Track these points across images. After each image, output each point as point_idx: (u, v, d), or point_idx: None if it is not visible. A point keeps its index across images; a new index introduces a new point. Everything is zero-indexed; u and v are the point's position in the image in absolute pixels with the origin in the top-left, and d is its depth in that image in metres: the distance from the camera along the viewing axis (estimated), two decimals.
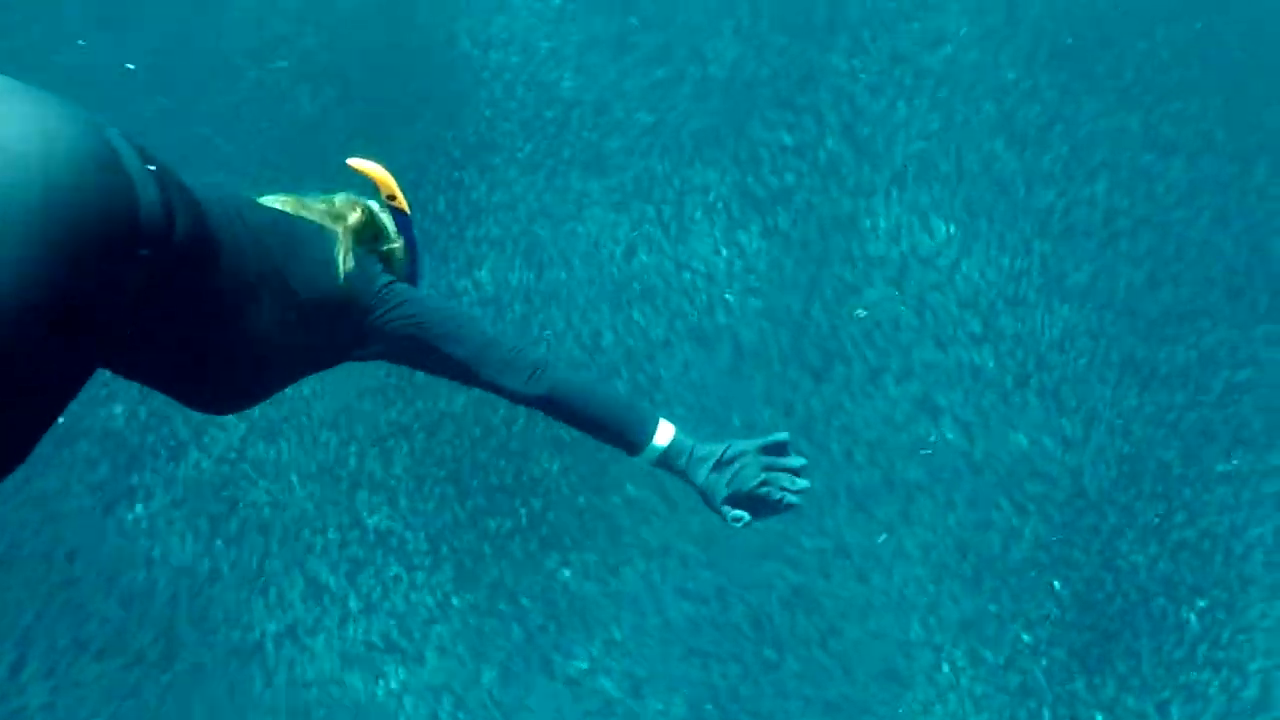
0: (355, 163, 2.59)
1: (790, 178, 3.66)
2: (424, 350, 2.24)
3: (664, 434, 2.28)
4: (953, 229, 3.53)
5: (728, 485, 2.19)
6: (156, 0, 3.95)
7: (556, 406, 2.24)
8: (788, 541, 3.46)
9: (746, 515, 2.15)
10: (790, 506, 2.15)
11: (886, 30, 3.68)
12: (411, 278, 2.66)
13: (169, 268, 1.84)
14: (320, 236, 2.29)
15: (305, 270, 2.19)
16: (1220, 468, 3.35)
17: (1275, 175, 3.46)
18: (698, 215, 3.67)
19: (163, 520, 3.61)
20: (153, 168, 1.81)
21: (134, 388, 3.69)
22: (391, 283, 2.31)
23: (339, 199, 2.57)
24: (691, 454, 2.24)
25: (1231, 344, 3.40)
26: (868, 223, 3.59)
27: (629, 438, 2.28)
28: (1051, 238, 3.50)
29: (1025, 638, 3.39)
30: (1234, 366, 3.39)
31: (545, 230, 3.72)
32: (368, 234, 2.44)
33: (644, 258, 3.65)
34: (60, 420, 3.91)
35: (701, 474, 2.22)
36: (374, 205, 2.58)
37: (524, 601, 3.48)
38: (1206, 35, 3.60)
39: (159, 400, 3.70)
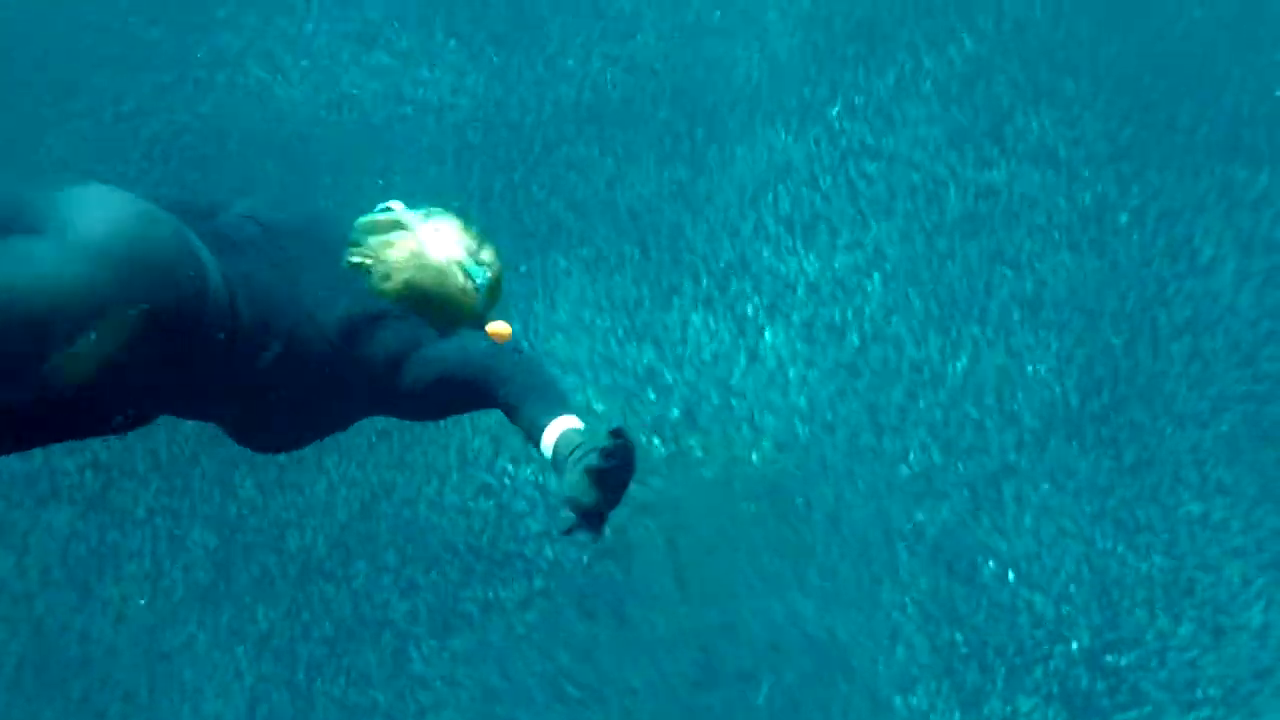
0: (493, 327, 2.48)
1: (760, 271, 3.77)
2: (450, 386, 2.27)
3: (551, 434, 1.93)
4: (931, 308, 3.70)
5: (567, 486, 1.84)
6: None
7: (515, 405, 2.07)
8: (799, 623, 3.42)
9: (573, 519, 1.81)
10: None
11: (851, 119, 3.90)
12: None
13: (232, 346, 2.05)
14: (365, 284, 2.35)
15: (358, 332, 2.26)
16: (1196, 509, 3.50)
17: (1221, 230, 3.74)
18: (665, 315, 3.73)
19: (111, 622, 3.39)
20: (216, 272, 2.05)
21: (85, 491, 3.51)
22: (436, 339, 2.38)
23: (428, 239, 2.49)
24: (572, 452, 1.87)
25: (1195, 405, 3.60)
26: (839, 314, 3.72)
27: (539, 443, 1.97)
28: (1027, 318, 3.68)
29: (1027, 701, 3.40)
30: (1200, 426, 3.59)
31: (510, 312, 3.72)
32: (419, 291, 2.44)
33: (611, 344, 3.68)
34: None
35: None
36: (469, 265, 2.48)
37: (528, 681, 3.33)
38: (1154, 99, 3.88)
39: (121, 498, 3.53)
